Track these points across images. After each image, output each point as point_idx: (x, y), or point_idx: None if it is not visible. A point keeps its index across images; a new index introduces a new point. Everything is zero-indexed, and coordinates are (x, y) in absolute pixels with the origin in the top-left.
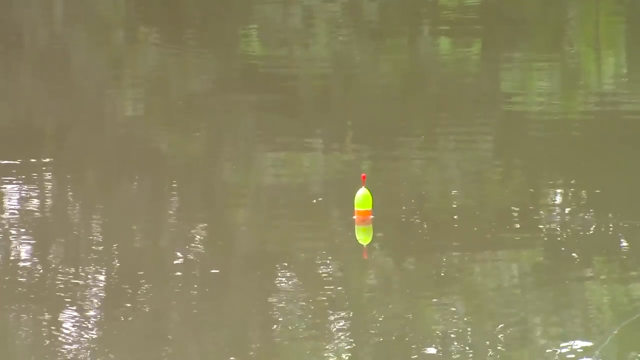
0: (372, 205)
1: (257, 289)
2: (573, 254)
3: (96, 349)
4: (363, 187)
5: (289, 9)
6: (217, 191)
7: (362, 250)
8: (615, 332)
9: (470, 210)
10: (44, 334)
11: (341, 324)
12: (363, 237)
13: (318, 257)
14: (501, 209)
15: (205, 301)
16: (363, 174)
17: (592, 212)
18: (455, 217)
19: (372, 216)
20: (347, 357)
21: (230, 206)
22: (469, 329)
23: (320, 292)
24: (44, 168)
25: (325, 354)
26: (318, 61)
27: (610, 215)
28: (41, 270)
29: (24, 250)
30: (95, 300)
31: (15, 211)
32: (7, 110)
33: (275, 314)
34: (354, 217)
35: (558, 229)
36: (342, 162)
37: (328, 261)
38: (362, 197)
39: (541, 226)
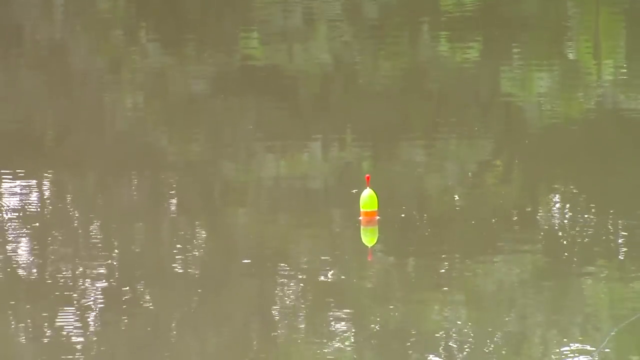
0: (378, 206)
1: (258, 291)
2: (573, 254)
3: (96, 349)
4: (368, 187)
5: (289, 9)
6: (218, 191)
7: (367, 251)
8: (614, 332)
9: (470, 210)
10: (44, 335)
11: (345, 325)
12: (368, 238)
13: (322, 258)
14: (501, 209)
15: (206, 300)
16: (367, 175)
17: (592, 212)
18: (455, 217)
19: (377, 217)
20: (348, 357)
21: (230, 206)
22: (469, 329)
23: (324, 292)
24: (43, 168)
25: (327, 354)
26: (318, 61)
27: (610, 215)
28: (40, 271)
29: (24, 251)
30: (96, 301)
31: (15, 211)
32: (7, 110)
33: (277, 314)
34: (360, 218)
35: (558, 229)
36: (342, 161)
37: (333, 262)
38: (368, 198)
39: (541, 226)
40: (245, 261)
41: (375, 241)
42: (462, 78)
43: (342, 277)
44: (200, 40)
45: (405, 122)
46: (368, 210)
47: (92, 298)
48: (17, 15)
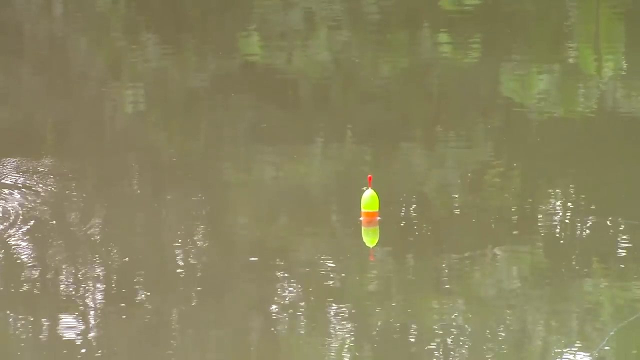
0: (379, 207)
1: (259, 291)
2: (572, 255)
3: (96, 349)
4: (369, 188)
5: (289, 9)
6: (217, 191)
7: (369, 252)
8: (613, 332)
9: (470, 210)
10: (44, 335)
11: (346, 324)
12: (369, 238)
13: (323, 258)
14: (501, 209)
15: (206, 300)
16: (369, 175)
17: (592, 212)
18: (455, 217)
19: (378, 217)
20: (348, 357)
21: (230, 206)
22: (469, 329)
23: (325, 292)
24: (43, 167)
25: (328, 353)
26: (318, 61)
27: (610, 215)
28: (40, 271)
29: (23, 250)
30: (95, 301)
31: (15, 211)
32: (7, 110)
33: (277, 314)
34: (361, 218)
35: (558, 229)
36: (342, 162)
37: (334, 263)
38: (370, 199)
39: (542, 226)
40: (251, 259)
41: (376, 242)
42: (462, 78)
43: (343, 275)
44: (200, 39)
45: (405, 121)
46: (369, 210)
47: (91, 298)
48: (16, 14)
